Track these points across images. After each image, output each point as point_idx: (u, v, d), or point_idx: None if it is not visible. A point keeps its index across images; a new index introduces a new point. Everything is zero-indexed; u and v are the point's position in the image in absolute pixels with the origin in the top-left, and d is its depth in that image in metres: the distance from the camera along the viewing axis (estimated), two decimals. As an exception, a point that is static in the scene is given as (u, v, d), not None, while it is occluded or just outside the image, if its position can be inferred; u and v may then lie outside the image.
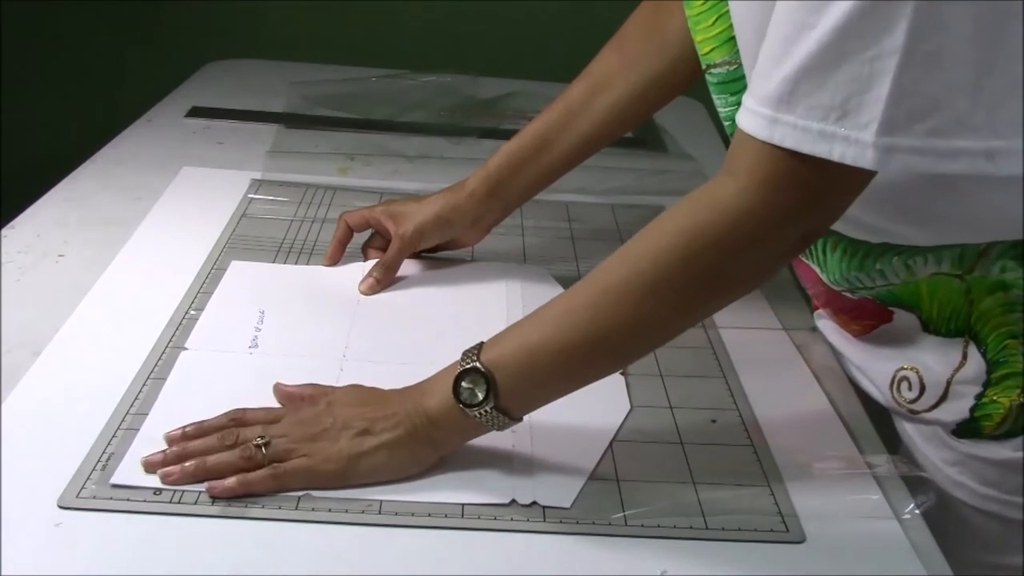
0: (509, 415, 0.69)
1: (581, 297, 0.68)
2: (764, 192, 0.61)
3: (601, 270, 0.68)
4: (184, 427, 0.72)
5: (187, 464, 0.68)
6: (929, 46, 0.55)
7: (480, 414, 0.68)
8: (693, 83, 0.92)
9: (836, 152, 0.57)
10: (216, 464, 0.68)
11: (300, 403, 0.74)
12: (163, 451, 0.70)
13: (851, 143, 0.57)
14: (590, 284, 0.68)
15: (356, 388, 0.75)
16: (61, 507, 0.66)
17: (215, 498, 0.67)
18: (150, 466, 0.69)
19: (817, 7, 0.56)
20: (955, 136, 0.56)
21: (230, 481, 0.67)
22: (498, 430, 0.70)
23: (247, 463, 0.68)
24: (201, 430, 0.72)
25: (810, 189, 0.61)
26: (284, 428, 0.71)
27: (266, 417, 0.72)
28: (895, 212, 0.72)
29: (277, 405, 0.76)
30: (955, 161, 0.57)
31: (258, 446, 0.69)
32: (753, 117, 0.60)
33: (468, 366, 0.68)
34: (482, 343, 0.70)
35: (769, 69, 0.60)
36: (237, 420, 0.72)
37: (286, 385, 0.77)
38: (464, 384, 0.68)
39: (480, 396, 0.68)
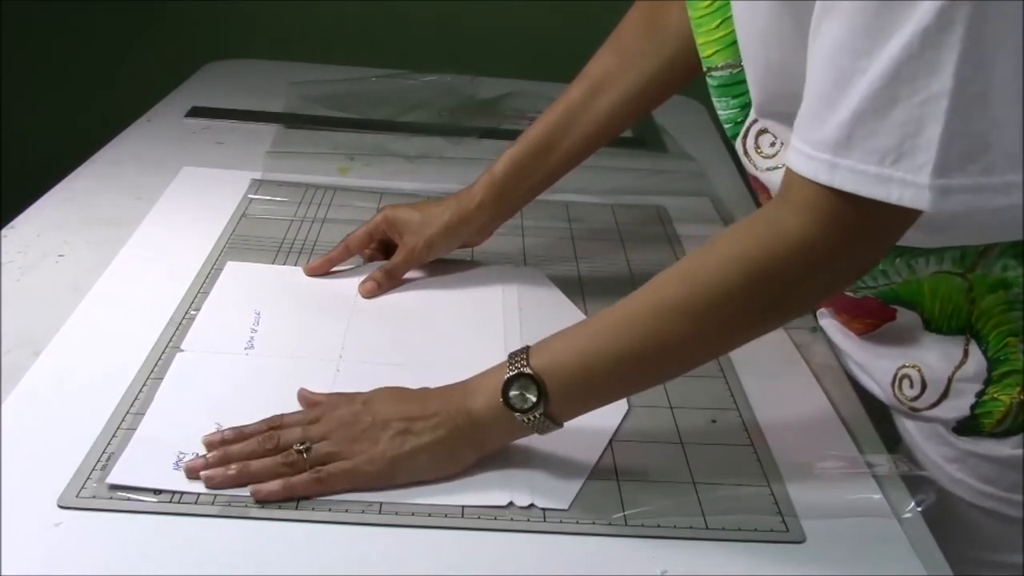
0: (554, 420, 0.69)
1: (638, 309, 0.68)
2: (825, 228, 0.62)
3: (658, 285, 0.68)
4: (223, 431, 0.72)
5: (230, 468, 0.68)
6: (976, 87, 0.56)
7: (528, 419, 0.69)
8: (692, 79, 0.92)
9: (894, 195, 0.58)
10: (260, 469, 0.69)
11: (337, 400, 0.74)
12: (204, 455, 0.70)
13: (908, 185, 0.58)
14: (647, 297, 0.68)
15: (390, 388, 0.74)
16: (61, 507, 0.66)
17: (260, 502, 0.67)
18: (192, 470, 0.69)
19: (863, 52, 0.57)
20: (1006, 171, 0.57)
21: (274, 485, 0.68)
22: (541, 434, 0.70)
23: (289, 468, 0.69)
24: (240, 435, 0.72)
25: (867, 226, 0.62)
26: (324, 429, 0.71)
27: (305, 418, 0.72)
28: None
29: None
30: (1007, 195, 0.58)
31: (299, 451, 0.69)
32: (809, 161, 0.61)
33: (517, 371, 0.68)
34: (528, 347, 0.70)
35: (821, 113, 0.60)
36: (276, 426, 0.72)
37: (312, 392, 0.77)
38: (513, 389, 0.68)
39: (531, 401, 0.68)
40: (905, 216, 0.62)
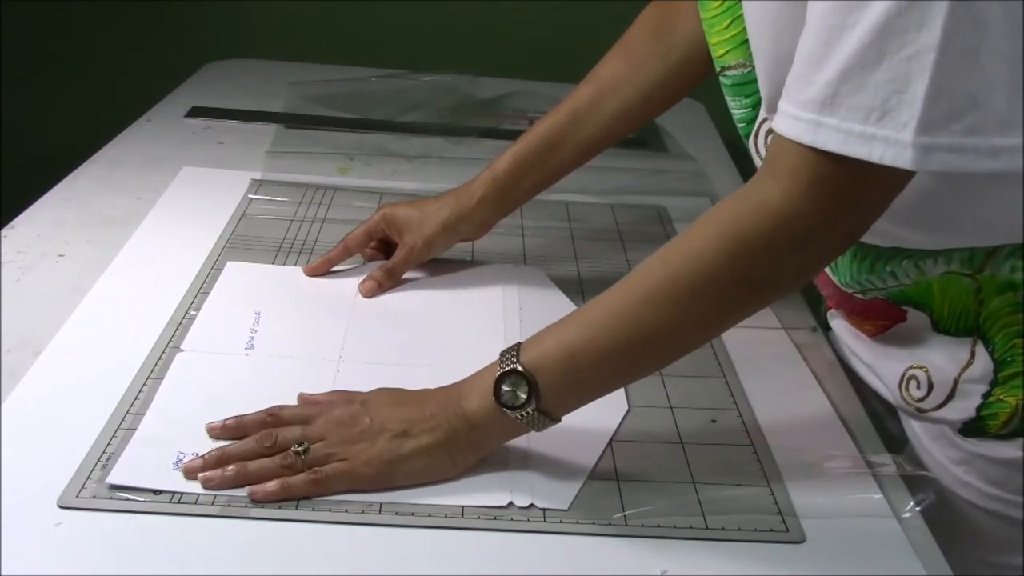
0: (549, 416, 0.69)
1: (623, 299, 0.68)
2: (809, 195, 0.61)
3: (642, 272, 0.68)
4: (224, 420, 0.72)
5: (227, 469, 0.68)
6: (965, 43, 0.55)
7: (521, 416, 0.68)
8: (699, 84, 0.92)
9: (876, 153, 0.57)
10: (257, 470, 0.69)
11: (335, 400, 0.74)
12: (202, 456, 0.70)
13: (890, 143, 0.57)
14: (631, 286, 0.68)
15: (389, 389, 0.74)
16: (61, 507, 0.66)
17: (257, 502, 0.67)
18: (190, 472, 0.69)
19: (853, 8, 0.56)
20: (994, 134, 0.56)
21: (272, 485, 0.68)
22: (537, 431, 0.70)
23: (287, 469, 0.69)
24: (240, 424, 0.72)
25: (853, 190, 0.61)
26: (322, 430, 0.71)
27: (303, 417, 0.72)
28: (906, 219, 0.71)
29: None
30: (995, 159, 0.57)
31: (297, 453, 0.69)
32: (795, 122, 0.60)
33: (508, 368, 0.68)
34: (520, 344, 0.70)
35: (808, 73, 0.60)
36: (274, 416, 0.72)
37: (311, 395, 0.77)
38: (505, 386, 0.68)
39: (522, 398, 0.68)
40: (890, 180, 0.61)
